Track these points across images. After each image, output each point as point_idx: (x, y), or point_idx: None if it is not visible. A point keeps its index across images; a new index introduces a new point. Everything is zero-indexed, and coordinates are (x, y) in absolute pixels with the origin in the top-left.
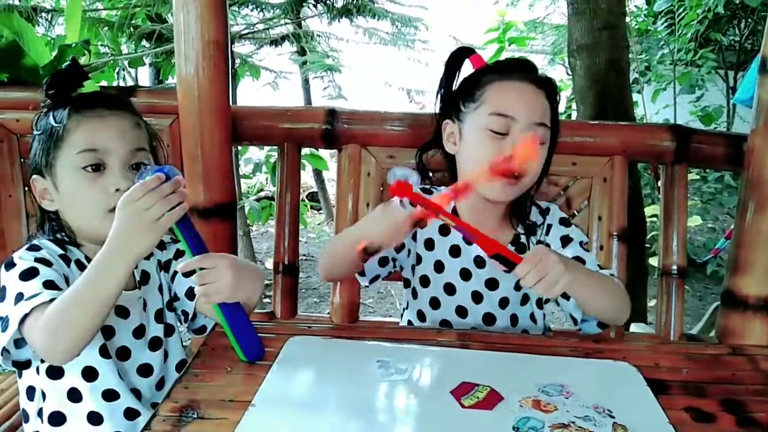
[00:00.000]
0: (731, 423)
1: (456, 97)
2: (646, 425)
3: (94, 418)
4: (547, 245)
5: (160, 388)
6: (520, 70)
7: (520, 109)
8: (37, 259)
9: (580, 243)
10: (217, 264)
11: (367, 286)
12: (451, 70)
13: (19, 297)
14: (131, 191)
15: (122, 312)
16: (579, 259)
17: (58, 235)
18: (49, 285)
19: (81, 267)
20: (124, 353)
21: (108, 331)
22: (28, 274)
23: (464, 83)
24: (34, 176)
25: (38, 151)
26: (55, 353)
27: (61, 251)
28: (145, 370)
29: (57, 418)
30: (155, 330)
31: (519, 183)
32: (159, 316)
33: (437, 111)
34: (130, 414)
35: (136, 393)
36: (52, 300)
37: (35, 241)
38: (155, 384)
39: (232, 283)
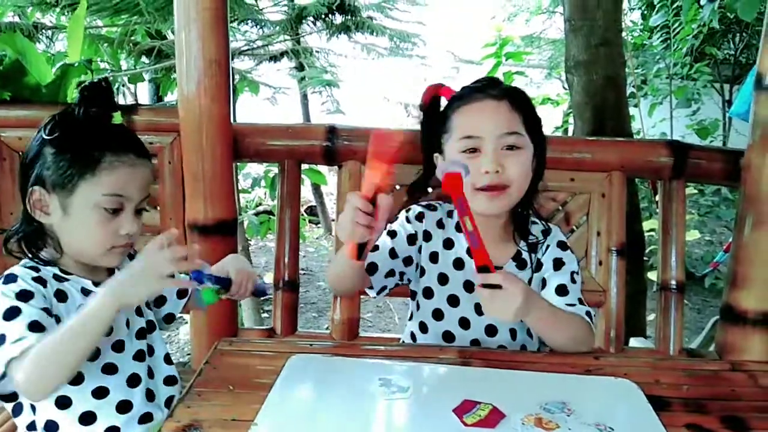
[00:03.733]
0: None
1: (437, 133)
2: None
3: (87, 418)
4: (541, 264)
5: (152, 377)
6: (478, 90)
7: (482, 126)
8: (18, 295)
9: (571, 272)
10: (238, 277)
11: (375, 297)
12: (428, 109)
13: (2, 338)
14: (155, 243)
15: None
16: (563, 288)
17: (42, 253)
18: (34, 326)
19: (58, 279)
20: (120, 346)
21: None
22: (11, 314)
23: (438, 118)
24: (35, 187)
25: (53, 167)
26: (38, 391)
27: (34, 273)
28: (139, 355)
29: (51, 426)
30: (139, 322)
31: (504, 193)
32: (138, 311)
33: (423, 149)
34: (123, 407)
35: (135, 378)
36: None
37: (9, 271)
38: (146, 371)
39: (248, 271)
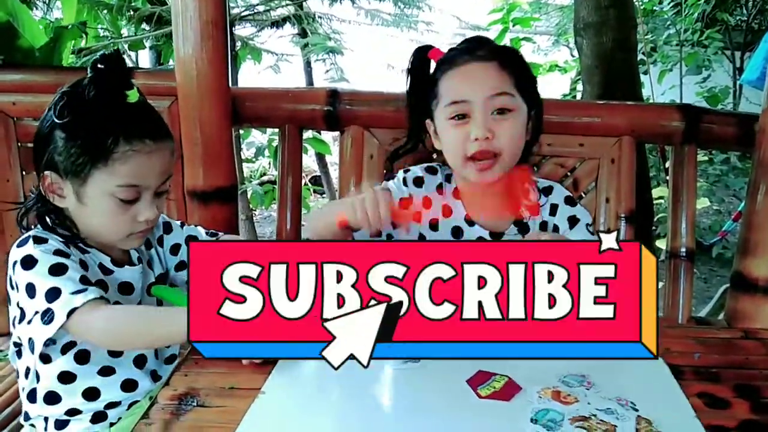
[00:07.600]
0: (746, 409)
1: (426, 98)
2: (672, 419)
3: (90, 394)
4: (555, 226)
5: (159, 357)
6: (464, 52)
7: (469, 89)
8: (55, 252)
9: (586, 225)
10: None
11: None
12: (416, 72)
13: (56, 292)
14: None
15: (127, 289)
16: None
17: (59, 230)
18: (84, 280)
19: (79, 249)
20: None
21: None
22: (58, 269)
23: (428, 83)
24: (47, 172)
25: (65, 154)
26: (112, 348)
27: (59, 239)
28: None
29: (51, 398)
30: (150, 302)
31: (494, 164)
32: (149, 290)
33: (408, 115)
34: (128, 386)
35: (142, 360)
36: (101, 297)
37: (34, 233)
38: (154, 353)
39: None
